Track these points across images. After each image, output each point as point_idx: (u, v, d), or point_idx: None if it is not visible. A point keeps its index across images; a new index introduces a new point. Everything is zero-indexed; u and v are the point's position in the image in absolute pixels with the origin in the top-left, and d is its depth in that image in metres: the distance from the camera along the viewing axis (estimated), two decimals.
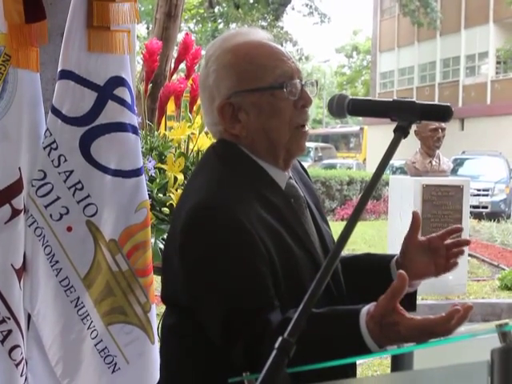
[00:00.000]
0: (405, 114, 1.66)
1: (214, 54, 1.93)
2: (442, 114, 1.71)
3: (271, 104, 1.87)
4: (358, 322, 1.62)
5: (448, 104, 1.71)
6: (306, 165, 2.18)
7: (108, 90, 2.55)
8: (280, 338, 1.36)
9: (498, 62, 35.47)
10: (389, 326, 1.59)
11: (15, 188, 2.48)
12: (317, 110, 60.43)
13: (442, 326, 1.57)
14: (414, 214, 1.98)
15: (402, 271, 1.60)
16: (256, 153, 1.90)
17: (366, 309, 1.63)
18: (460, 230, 2.01)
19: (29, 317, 2.55)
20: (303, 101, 1.90)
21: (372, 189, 1.60)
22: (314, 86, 1.94)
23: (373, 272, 2.03)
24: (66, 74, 2.54)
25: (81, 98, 2.54)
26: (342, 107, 1.78)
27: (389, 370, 1.90)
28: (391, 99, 1.72)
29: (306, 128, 1.93)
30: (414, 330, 1.58)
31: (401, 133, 1.64)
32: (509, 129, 30.64)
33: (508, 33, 32.93)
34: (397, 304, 1.60)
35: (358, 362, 2.06)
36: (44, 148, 2.53)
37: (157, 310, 2.71)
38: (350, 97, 1.78)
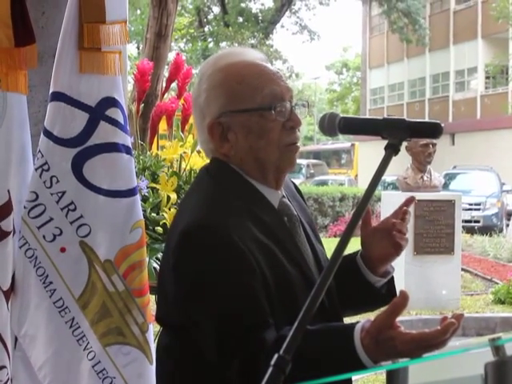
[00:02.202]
0: (395, 132, 1.68)
1: (206, 73, 1.94)
2: (432, 131, 1.73)
3: (260, 125, 1.88)
4: (352, 338, 1.62)
5: (438, 121, 1.73)
6: (297, 182, 2.20)
7: (100, 111, 2.56)
8: (276, 355, 1.36)
9: (487, 77, 35.64)
10: (385, 341, 1.60)
11: (4, 210, 2.48)
12: (308, 126, 60.53)
13: (437, 339, 1.58)
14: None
15: (404, 289, 1.61)
16: (246, 172, 1.91)
17: (361, 325, 1.64)
18: (411, 200, 2.01)
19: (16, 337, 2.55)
20: (292, 122, 1.90)
21: (364, 205, 1.61)
22: (305, 107, 1.95)
23: (343, 271, 1.88)
24: (58, 96, 2.55)
25: (72, 120, 2.55)
26: (333, 125, 1.79)
27: None
28: (382, 117, 1.73)
29: (297, 144, 1.93)
30: (410, 345, 1.59)
31: (391, 150, 1.65)
32: (499, 143, 30.76)
33: (496, 48, 33.11)
34: (394, 320, 1.61)
35: (353, 377, 2.06)
36: (36, 169, 2.53)
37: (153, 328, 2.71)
38: (341, 115, 1.79)
